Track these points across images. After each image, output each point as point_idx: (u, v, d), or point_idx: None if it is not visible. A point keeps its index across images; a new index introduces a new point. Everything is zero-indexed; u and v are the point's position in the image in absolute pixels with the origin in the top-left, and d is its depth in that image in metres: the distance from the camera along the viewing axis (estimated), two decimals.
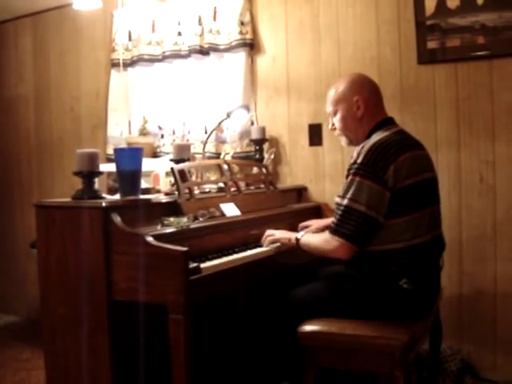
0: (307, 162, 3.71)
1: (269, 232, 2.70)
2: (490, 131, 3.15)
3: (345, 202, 2.27)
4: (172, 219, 2.38)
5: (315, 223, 2.98)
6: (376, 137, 2.36)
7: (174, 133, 4.12)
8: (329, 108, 2.61)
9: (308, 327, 2.28)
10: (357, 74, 2.64)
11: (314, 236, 2.52)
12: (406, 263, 2.27)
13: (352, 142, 2.56)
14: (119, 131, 4.37)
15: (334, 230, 2.30)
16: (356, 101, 2.48)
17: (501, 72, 3.12)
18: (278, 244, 2.66)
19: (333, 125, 2.62)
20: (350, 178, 2.29)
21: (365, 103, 2.48)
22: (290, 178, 3.78)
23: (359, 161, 2.26)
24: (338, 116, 2.55)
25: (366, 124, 2.48)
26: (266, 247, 2.64)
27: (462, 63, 3.21)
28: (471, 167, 3.20)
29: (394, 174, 2.22)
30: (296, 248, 2.55)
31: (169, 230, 2.29)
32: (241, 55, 3.83)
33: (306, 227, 2.95)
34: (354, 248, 2.28)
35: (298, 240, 2.53)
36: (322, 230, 2.75)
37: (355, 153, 2.33)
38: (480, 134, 3.18)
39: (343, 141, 2.63)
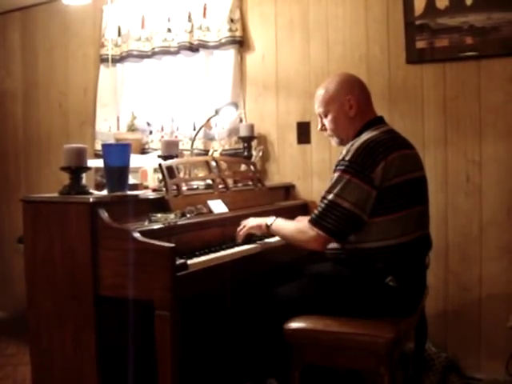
0: (295, 160, 3.72)
1: (240, 226, 2.66)
2: (477, 131, 3.17)
3: (330, 196, 2.27)
4: (159, 215, 2.38)
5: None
6: (365, 135, 2.36)
7: (162, 129, 4.11)
8: (319, 109, 2.58)
9: (294, 324, 2.28)
10: (345, 74, 2.64)
11: (288, 223, 2.52)
12: (392, 261, 2.29)
13: (343, 142, 2.54)
14: (107, 127, 4.35)
15: (314, 220, 2.31)
16: (348, 100, 2.47)
17: (488, 72, 3.14)
18: (254, 245, 2.64)
19: (323, 125, 2.60)
20: (337, 174, 2.29)
21: (357, 102, 2.48)
22: (277, 176, 3.78)
23: (348, 158, 2.27)
24: (330, 117, 2.53)
25: (358, 123, 2.48)
26: (243, 246, 2.60)
27: (450, 63, 3.23)
28: (458, 167, 3.22)
29: (383, 173, 2.23)
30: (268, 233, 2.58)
31: (156, 226, 2.29)
32: (230, 52, 3.83)
33: None
34: (330, 241, 2.31)
35: (268, 226, 2.53)
36: None
37: (344, 150, 2.33)
38: (467, 133, 3.20)
39: (334, 141, 2.61)
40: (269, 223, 2.52)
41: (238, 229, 2.65)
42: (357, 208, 2.23)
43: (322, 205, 2.30)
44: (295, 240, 2.41)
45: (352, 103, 2.48)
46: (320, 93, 2.57)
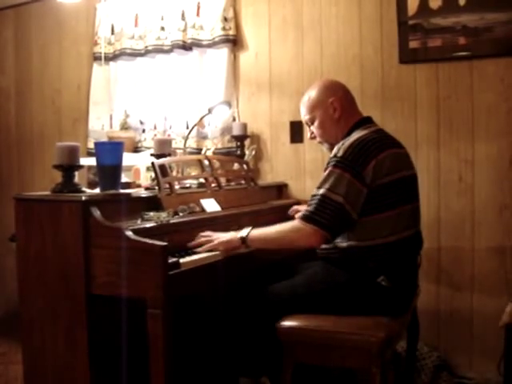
0: (288, 159, 3.72)
1: (205, 238, 2.42)
2: (470, 131, 3.18)
3: (322, 191, 2.26)
4: (152, 214, 2.37)
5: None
6: (356, 134, 2.37)
7: (155, 127, 4.11)
8: (305, 117, 2.61)
9: (286, 323, 2.29)
10: (327, 79, 2.69)
11: (270, 228, 2.41)
12: (384, 260, 2.29)
13: (333, 147, 2.54)
14: (100, 125, 4.35)
15: (307, 217, 2.25)
16: (331, 102, 2.49)
17: (481, 73, 3.16)
18: (216, 252, 2.38)
19: (312, 133, 2.62)
20: (329, 169, 2.29)
21: (341, 104, 2.49)
22: (270, 175, 3.78)
23: (339, 155, 2.27)
24: (316, 122, 2.56)
25: (344, 125, 2.49)
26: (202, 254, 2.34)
27: (443, 63, 3.24)
28: (450, 166, 3.23)
29: (374, 171, 2.23)
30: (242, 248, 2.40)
31: (148, 224, 2.28)
32: (223, 51, 3.83)
33: (298, 211, 2.93)
34: (326, 237, 2.25)
35: (243, 238, 2.38)
36: None
37: (335, 148, 2.34)
38: (459, 133, 3.21)
39: (325, 147, 2.64)
40: (244, 235, 2.37)
41: (203, 239, 2.41)
42: (348, 204, 2.22)
43: (315, 200, 2.27)
44: (286, 241, 2.32)
45: (336, 106, 2.49)
46: (304, 100, 2.60)
